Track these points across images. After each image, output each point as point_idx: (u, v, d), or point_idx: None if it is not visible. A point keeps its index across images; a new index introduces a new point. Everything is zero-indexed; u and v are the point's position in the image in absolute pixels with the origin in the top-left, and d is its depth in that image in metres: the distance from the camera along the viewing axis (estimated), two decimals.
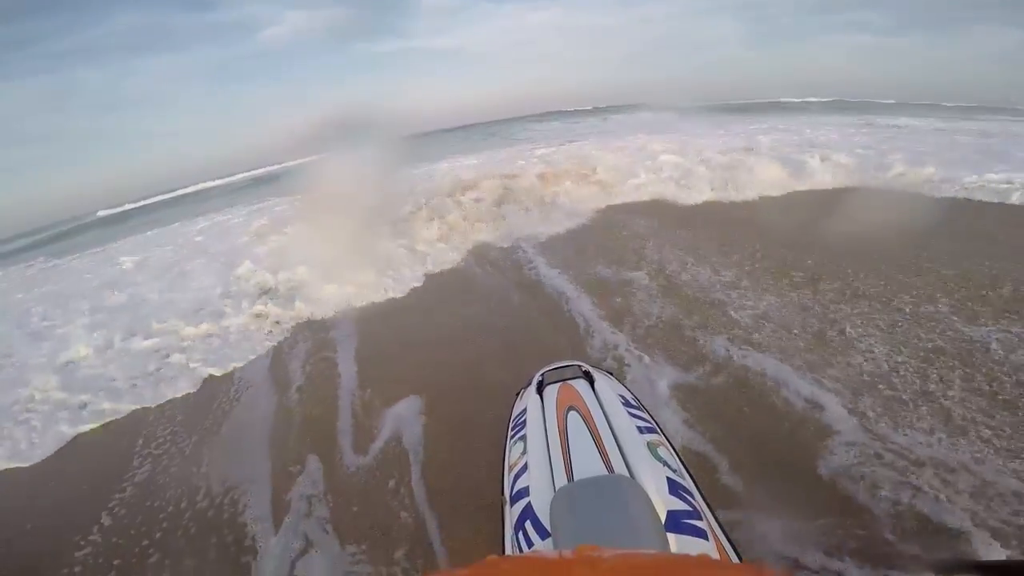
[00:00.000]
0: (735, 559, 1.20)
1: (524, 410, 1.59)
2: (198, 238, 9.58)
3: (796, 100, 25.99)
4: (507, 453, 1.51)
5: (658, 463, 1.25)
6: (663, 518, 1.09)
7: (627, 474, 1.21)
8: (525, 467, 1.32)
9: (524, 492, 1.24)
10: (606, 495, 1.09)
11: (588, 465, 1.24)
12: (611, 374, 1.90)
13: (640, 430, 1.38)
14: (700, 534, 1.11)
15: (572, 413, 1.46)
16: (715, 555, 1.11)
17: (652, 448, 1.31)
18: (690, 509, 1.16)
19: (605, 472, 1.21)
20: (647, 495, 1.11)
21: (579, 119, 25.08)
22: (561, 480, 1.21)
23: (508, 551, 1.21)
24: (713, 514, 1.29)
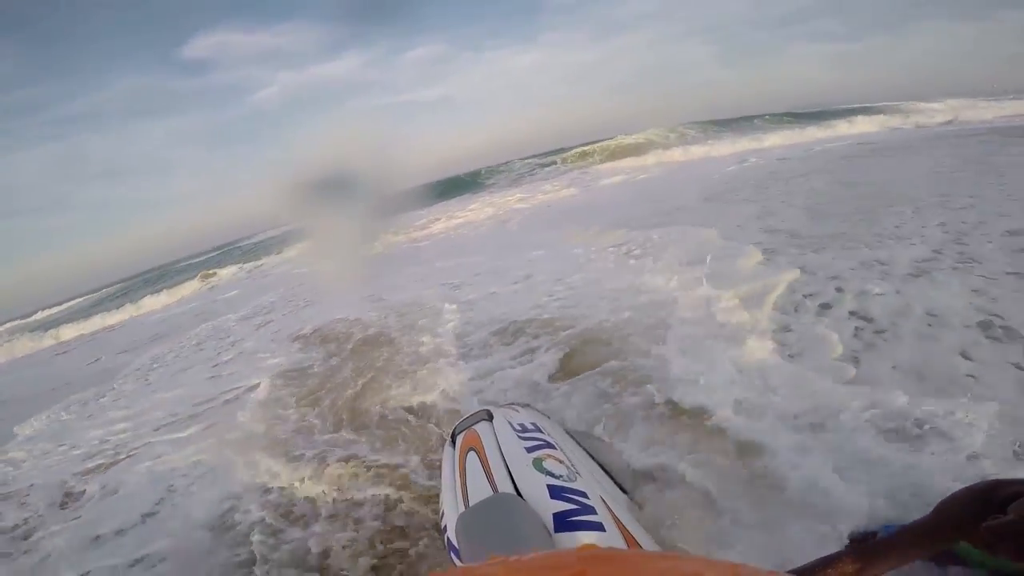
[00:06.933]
0: (647, 544, 1.34)
1: (441, 463, 1.87)
2: None
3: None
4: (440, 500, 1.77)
5: (540, 474, 1.45)
6: (550, 521, 1.26)
7: (512, 491, 1.39)
8: (442, 509, 1.60)
9: (445, 528, 1.50)
10: (491, 513, 1.29)
11: (479, 492, 1.45)
12: (519, 406, 2.12)
13: (528, 450, 1.59)
14: (594, 527, 1.26)
15: (470, 454, 1.68)
16: (615, 543, 1.22)
17: (537, 463, 1.51)
18: (576, 507, 1.32)
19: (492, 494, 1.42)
20: (525, 504, 1.30)
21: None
22: (461, 510, 1.44)
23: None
24: (625, 503, 1.58)
